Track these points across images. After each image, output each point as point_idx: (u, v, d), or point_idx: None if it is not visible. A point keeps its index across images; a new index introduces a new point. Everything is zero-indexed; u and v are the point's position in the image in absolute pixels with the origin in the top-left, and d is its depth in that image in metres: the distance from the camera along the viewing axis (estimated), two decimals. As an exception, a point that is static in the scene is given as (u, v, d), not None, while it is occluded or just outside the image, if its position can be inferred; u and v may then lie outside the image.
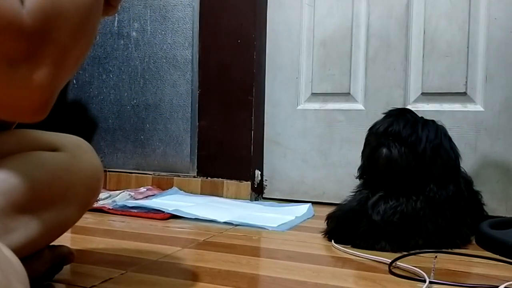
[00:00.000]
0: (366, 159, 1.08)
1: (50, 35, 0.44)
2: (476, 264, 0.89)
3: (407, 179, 1.01)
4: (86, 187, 0.68)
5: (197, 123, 1.65)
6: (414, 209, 0.99)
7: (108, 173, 1.72)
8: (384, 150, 1.01)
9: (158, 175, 1.69)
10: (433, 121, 1.08)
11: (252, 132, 1.58)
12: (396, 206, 0.99)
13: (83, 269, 0.78)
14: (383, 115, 1.10)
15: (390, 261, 0.84)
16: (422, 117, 1.08)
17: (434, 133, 1.03)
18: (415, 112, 1.10)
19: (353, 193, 1.11)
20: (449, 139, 1.07)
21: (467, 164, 1.28)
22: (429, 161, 1.01)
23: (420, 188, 1.01)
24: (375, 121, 1.11)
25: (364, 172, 1.10)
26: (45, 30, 0.43)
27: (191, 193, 1.63)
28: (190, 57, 1.65)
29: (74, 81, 1.80)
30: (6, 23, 0.41)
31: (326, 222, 1.09)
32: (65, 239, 0.95)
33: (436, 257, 0.92)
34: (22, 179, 0.59)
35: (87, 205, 0.72)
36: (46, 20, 0.43)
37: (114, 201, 1.40)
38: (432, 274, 0.81)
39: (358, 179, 1.12)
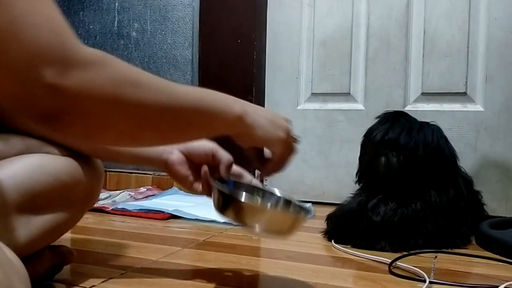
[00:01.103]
0: (364, 168, 1.07)
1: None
2: (476, 264, 0.89)
3: (407, 186, 1.00)
4: (85, 188, 0.68)
5: (197, 123, 1.64)
6: (414, 210, 0.99)
7: (108, 173, 1.72)
8: (383, 160, 1.00)
9: (158, 175, 1.69)
10: (427, 123, 1.07)
11: (252, 132, 1.57)
12: (396, 208, 0.99)
13: (83, 269, 0.78)
14: (377, 119, 1.09)
15: (390, 261, 0.84)
16: (416, 120, 1.06)
17: (430, 137, 1.03)
18: (412, 113, 1.09)
19: (353, 195, 1.10)
20: (446, 139, 1.06)
21: (467, 164, 1.28)
22: (428, 166, 1.01)
23: (420, 194, 1.01)
24: (370, 126, 1.10)
25: (362, 177, 1.09)
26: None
27: (191, 193, 1.62)
28: (190, 57, 1.65)
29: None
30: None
31: (326, 222, 1.09)
32: (65, 239, 0.95)
33: (436, 257, 0.92)
34: (22, 179, 0.59)
35: (87, 207, 0.72)
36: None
37: (114, 201, 1.40)
38: (432, 274, 0.81)
39: (357, 184, 1.11)
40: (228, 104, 0.58)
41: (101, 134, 0.50)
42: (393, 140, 1.01)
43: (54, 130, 0.47)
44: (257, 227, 0.62)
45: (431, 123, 1.08)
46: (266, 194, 0.73)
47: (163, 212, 1.26)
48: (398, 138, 1.00)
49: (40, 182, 0.61)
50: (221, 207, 0.63)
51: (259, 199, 0.72)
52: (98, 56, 0.45)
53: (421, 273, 0.78)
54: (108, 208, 1.32)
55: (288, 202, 0.72)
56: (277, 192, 0.73)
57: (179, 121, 0.53)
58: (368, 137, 1.08)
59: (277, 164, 0.67)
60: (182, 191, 1.62)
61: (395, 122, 1.04)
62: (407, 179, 1.00)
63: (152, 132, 0.52)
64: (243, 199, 0.64)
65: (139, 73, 0.48)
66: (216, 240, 1.02)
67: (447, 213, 1.00)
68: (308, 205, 1.47)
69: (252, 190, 0.73)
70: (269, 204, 0.70)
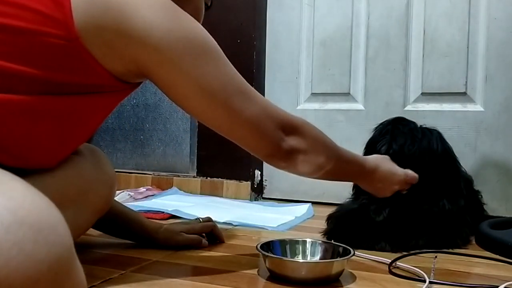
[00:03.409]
0: None
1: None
2: (476, 264, 0.89)
3: (415, 196, 0.98)
4: (97, 194, 0.68)
5: (197, 123, 1.64)
6: (418, 213, 0.98)
7: (107, 173, 1.72)
8: None
9: (158, 175, 1.69)
10: (428, 129, 1.04)
11: (252, 132, 1.57)
12: (399, 211, 0.98)
13: (83, 269, 0.78)
14: (376, 130, 1.06)
15: (390, 261, 0.84)
16: (416, 126, 1.03)
17: (435, 143, 1.00)
18: (412, 113, 1.09)
19: (353, 196, 1.10)
20: (449, 149, 1.04)
21: (467, 164, 1.28)
22: (435, 174, 0.99)
23: (430, 201, 0.99)
24: (371, 137, 1.07)
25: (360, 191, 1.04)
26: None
27: (190, 193, 1.63)
28: (190, 57, 1.65)
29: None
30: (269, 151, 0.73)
31: (326, 222, 1.09)
32: (65, 239, 0.94)
33: (436, 257, 0.92)
34: (32, 182, 0.58)
35: (99, 212, 0.71)
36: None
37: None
38: (432, 274, 0.81)
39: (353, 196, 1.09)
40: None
41: (309, 167, 0.77)
42: (398, 152, 0.98)
43: (276, 163, 0.76)
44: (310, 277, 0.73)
45: (432, 128, 1.06)
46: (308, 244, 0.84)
47: (163, 212, 1.25)
48: (403, 149, 0.97)
49: (51, 185, 0.60)
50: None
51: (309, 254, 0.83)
52: (299, 119, 0.76)
53: (421, 273, 0.78)
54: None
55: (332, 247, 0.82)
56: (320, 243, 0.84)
57: (342, 167, 0.88)
58: (371, 149, 1.05)
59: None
60: (181, 191, 1.63)
61: (395, 130, 1.02)
62: (415, 189, 0.97)
63: (330, 168, 0.81)
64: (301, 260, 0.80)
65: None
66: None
67: (450, 217, 1.00)
68: (309, 206, 1.46)
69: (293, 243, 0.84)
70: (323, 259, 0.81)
